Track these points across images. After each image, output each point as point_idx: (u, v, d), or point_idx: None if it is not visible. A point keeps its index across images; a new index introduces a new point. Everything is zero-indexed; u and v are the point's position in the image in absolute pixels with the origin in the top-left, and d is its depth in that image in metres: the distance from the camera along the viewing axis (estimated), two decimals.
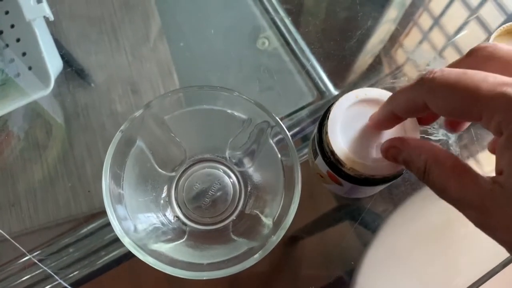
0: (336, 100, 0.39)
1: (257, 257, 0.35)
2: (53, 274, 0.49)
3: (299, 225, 0.49)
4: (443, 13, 0.59)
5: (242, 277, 0.48)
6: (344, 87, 0.55)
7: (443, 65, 0.54)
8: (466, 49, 0.53)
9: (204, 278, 0.35)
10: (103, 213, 0.50)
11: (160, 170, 0.43)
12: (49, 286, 0.48)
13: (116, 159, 0.37)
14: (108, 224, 0.50)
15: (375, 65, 0.56)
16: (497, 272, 0.47)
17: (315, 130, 0.41)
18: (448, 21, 0.58)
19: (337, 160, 0.37)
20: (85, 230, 0.50)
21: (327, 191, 0.49)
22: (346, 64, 0.56)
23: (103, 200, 0.37)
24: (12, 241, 0.49)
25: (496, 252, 0.47)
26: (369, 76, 0.55)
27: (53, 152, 0.53)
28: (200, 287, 0.47)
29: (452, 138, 0.50)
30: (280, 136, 0.39)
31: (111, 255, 0.49)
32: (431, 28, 0.58)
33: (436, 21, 0.58)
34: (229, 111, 0.41)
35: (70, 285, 0.48)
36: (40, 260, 0.49)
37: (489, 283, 0.47)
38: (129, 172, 0.39)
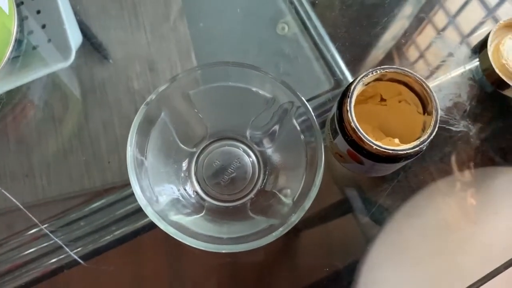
0: (356, 78, 0.39)
1: (276, 234, 0.35)
2: (63, 245, 0.49)
3: (304, 215, 0.49)
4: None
5: (243, 266, 0.48)
6: None
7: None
8: None
9: (224, 251, 0.35)
10: (116, 188, 0.51)
11: (181, 145, 0.43)
12: (58, 258, 0.49)
13: (141, 130, 0.37)
14: (120, 200, 0.51)
15: (395, 55, 0.56)
16: (501, 272, 0.48)
17: (335, 109, 0.41)
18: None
19: (359, 137, 0.37)
20: (97, 204, 0.51)
21: (333, 181, 0.49)
22: (365, 53, 0.56)
23: (127, 169, 0.37)
24: (25, 210, 0.49)
25: (502, 250, 0.48)
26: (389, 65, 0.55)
27: (68, 126, 0.53)
28: (202, 273, 0.47)
29: (473, 130, 0.51)
30: (303, 117, 0.39)
31: (120, 230, 0.49)
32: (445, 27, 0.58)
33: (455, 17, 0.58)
34: (254, 89, 0.41)
35: (78, 258, 0.48)
36: (51, 232, 0.49)
37: (494, 281, 0.48)
38: (152, 144, 0.39)
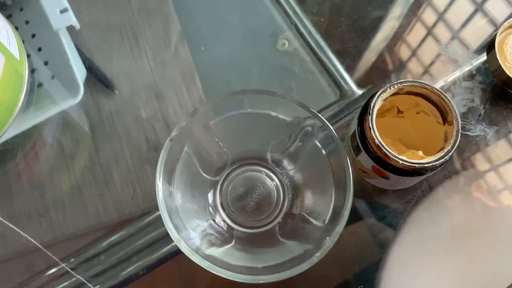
0: (374, 94, 0.40)
1: (313, 260, 0.35)
2: (86, 282, 0.48)
3: None
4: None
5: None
6: (368, 85, 0.56)
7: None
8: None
9: (261, 282, 0.35)
10: (133, 219, 0.51)
11: (205, 175, 0.43)
12: None
13: (167, 166, 0.37)
14: (139, 231, 0.51)
15: (398, 63, 0.57)
16: None
17: (355, 126, 0.41)
18: None
19: (384, 154, 0.38)
20: (115, 237, 0.50)
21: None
22: (368, 63, 0.57)
23: (158, 206, 0.37)
24: (44, 250, 0.49)
25: None
26: (392, 74, 0.56)
27: (80, 161, 0.53)
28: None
29: (490, 133, 0.51)
30: (325, 136, 0.40)
31: (142, 261, 0.49)
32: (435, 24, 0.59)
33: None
34: (273, 114, 0.41)
35: None
36: (72, 269, 0.49)
37: None
38: (178, 178, 0.39)
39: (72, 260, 0.49)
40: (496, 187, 0.51)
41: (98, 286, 0.48)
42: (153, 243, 0.50)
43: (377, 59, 0.57)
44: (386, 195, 0.50)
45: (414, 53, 0.57)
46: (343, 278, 0.48)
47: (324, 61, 0.57)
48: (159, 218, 0.38)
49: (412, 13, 0.59)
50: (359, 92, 0.55)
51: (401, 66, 0.57)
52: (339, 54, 0.57)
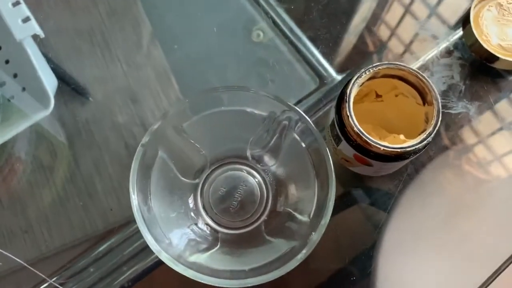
0: (350, 81, 0.38)
1: (301, 257, 0.34)
2: None
3: None
4: None
5: None
6: (347, 69, 0.54)
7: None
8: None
9: (249, 285, 0.34)
10: (119, 228, 0.50)
11: (183, 179, 0.42)
12: None
13: (141, 174, 0.36)
14: (126, 239, 0.50)
15: (376, 44, 0.56)
16: None
17: (333, 115, 0.40)
18: None
19: (365, 141, 0.37)
20: (103, 247, 0.49)
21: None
22: (345, 47, 0.56)
23: (135, 219, 0.36)
24: (30, 268, 0.48)
25: None
26: (370, 56, 0.55)
27: (60, 173, 0.51)
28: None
29: (472, 110, 0.50)
30: (303, 128, 0.38)
31: (133, 269, 0.48)
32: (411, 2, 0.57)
33: None
34: (248, 110, 0.40)
35: None
36: (61, 284, 0.48)
37: None
38: (154, 186, 0.38)
39: (60, 275, 0.48)
40: (485, 159, 0.50)
41: None
42: (142, 251, 0.49)
43: (355, 42, 0.56)
44: (372, 181, 0.49)
45: (393, 32, 0.56)
46: (336, 269, 0.48)
47: (301, 49, 0.56)
48: None
49: None
50: (338, 77, 0.54)
51: (380, 47, 0.56)
52: (314, 40, 0.55)
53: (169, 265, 0.35)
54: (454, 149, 0.50)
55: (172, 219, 0.39)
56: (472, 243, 0.48)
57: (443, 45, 0.54)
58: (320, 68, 0.55)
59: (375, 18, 0.57)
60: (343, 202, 0.49)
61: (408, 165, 0.48)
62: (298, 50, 0.56)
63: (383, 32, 0.56)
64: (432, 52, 0.54)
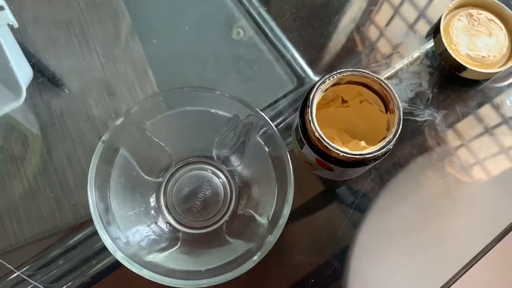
0: (313, 87, 0.38)
1: (255, 259, 0.34)
2: None
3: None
4: None
5: None
6: (324, 72, 0.54)
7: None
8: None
9: (204, 286, 0.34)
10: (90, 221, 0.49)
11: (146, 177, 0.42)
12: None
13: (100, 171, 0.36)
14: (96, 233, 0.49)
15: (353, 47, 0.55)
16: (491, 249, 0.47)
17: (297, 119, 0.40)
18: None
19: (325, 146, 0.36)
20: (73, 240, 0.49)
21: (314, 176, 0.48)
22: (323, 49, 0.55)
23: (91, 215, 0.36)
24: None
25: (488, 228, 0.48)
26: (348, 59, 0.55)
27: (32, 164, 0.51)
28: None
29: (438, 118, 0.50)
30: (267, 131, 0.38)
31: (102, 263, 0.48)
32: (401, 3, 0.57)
33: None
34: (212, 110, 0.40)
35: None
36: (29, 276, 0.48)
37: (490, 253, 0.47)
38: (115, 183, 0.38)
39: (28, 266, 0.48)
40: (467, 163, 0.51)
41: None
42: None
43: (334, 45, 0.55)
44: (336, 186, 0.49)
45: (380, 35, 0.55)
46: (318, 260, 0.48)
47: (280, 49, 0.55)
48: None
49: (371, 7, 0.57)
50: (316, 79, 0.54)
51: (356, 52, 0.55)
52: (294, 41, 0.55)
53: (124, 264, 0.35)
54: (419, 156, 0.50)
55: (131, 217, 0.39)
56: (441, 244, 0.49)
57: (416, 53, 0.54)
58: (298, 68, 0.55)
59: (356, 21, 0.56)
60: (323, 202, 0.49)
61: (372, 171, 0.48)
62: (277, 50, 0.55)
63: (362, 37, 0.56)
64: (402, 59, 0.53)
